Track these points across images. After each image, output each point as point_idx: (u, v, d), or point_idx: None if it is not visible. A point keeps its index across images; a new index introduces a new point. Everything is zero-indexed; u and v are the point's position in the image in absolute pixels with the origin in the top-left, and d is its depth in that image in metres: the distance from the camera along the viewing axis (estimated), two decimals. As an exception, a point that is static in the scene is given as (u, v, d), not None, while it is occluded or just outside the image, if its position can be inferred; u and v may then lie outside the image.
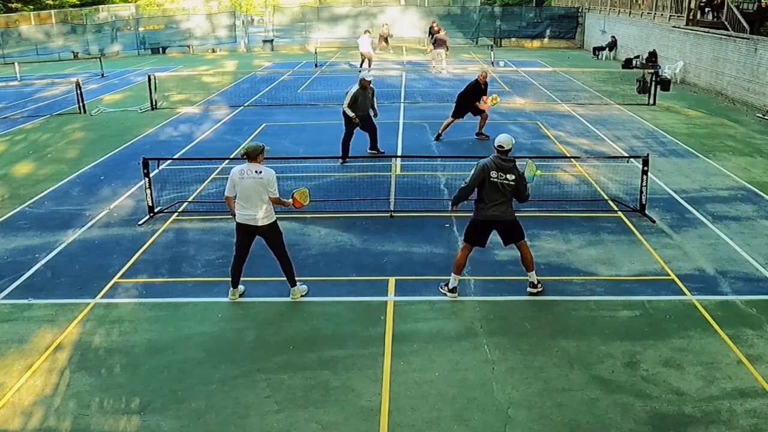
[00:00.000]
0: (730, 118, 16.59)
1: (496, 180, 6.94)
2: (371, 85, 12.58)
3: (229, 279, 7.38)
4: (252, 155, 6.94)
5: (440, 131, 14.35)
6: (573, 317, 6.91)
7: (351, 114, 12.31)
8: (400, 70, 25.89)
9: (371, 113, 12.72)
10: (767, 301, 7.20)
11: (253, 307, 7.20)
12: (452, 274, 7.33)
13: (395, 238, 8.99)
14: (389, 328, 6.71)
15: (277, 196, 6.98)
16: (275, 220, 7.14)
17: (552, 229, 9.16)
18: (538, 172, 7.24)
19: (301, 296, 7.36)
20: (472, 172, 7.06)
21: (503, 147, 6.98)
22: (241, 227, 7.09)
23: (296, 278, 7.36)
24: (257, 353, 6.33)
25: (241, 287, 7.46)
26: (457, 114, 14.09)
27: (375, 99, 12.76)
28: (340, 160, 12.38)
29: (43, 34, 36.60)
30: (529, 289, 7.33)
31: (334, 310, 7.08)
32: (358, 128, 12.56)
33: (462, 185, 7.18)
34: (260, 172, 6.89)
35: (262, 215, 6.97)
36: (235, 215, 7.08)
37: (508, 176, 6.94)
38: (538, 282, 7.34)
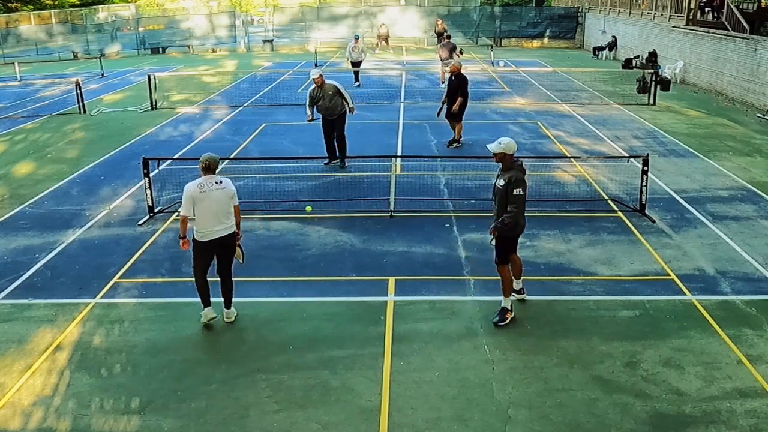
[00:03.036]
0: (730, 118, 16.59)
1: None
2: (330, 82, 11.84)
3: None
4: (213, 167, 6.55)
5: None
6: (573, 317, 6.91)
7: (307, 112, 11.92)
8: (400, 70, 25.88)
9: (346, 111, 11.96)
10: (767, 301, 7.21)
11: (253, 307, 7.19)
12: (504, 298, 6.79)
13: (395, 238, 8.99)
14: (389, 328, 6.71)
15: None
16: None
17: (552, 229, 9.16)
18: None
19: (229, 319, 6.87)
20: (519, 192, 6.43)
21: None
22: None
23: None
24: (257, 353, 6.33)
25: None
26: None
27: (345, 96, 11.86)
28: (325, 162, 12.17)
29: (43, 34, 36.62)
30: (514, 295, 7.17)
31: (334, 310, 7.08)
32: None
33: (514, 210, 6.43)
34: (220, 182, 6.54)
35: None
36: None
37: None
38: (521, 289, 7.18)
